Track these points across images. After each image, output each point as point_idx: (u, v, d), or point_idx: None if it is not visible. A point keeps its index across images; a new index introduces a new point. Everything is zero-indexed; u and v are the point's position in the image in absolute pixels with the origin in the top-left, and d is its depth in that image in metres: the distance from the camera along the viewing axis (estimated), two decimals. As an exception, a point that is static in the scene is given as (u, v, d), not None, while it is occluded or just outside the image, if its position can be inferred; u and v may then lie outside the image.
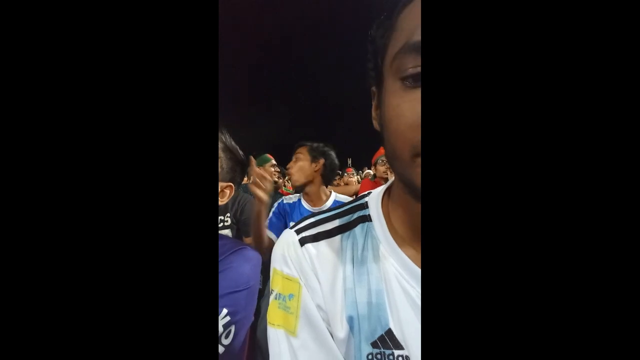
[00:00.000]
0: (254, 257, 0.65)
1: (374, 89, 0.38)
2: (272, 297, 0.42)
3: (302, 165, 1.41)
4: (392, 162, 0.35)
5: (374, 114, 0.39)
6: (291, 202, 1.48)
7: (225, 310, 0.56)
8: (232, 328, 0.56)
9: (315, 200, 1.43)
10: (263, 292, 1.14)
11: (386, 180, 2.33)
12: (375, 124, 0.39)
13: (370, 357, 0.36)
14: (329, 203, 1.42)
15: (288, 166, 1.43)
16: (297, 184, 1.41)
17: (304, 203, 1.44)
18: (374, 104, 0.38)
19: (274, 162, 2.25)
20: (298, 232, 0.43)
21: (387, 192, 0.43)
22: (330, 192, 1.48)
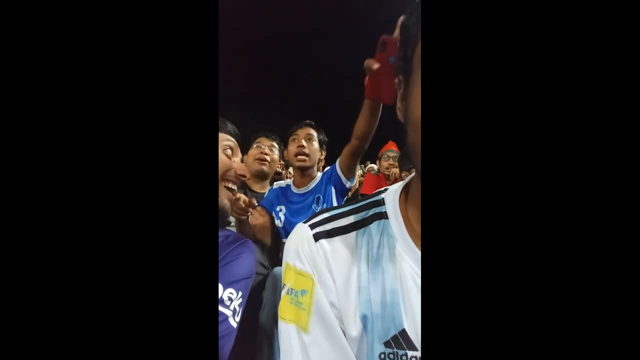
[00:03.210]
0: (254, 248, 0.75)
1: (400, 77, 0.37)
2: (283, 292, 0.41)
3: (316, 149, 1.38)
4: (413, 157, 0.33)
5: (398, 104, 0.37)
6: (283, 186, 1.45)
7: (240, 293, 0.65)
8: (241, 309, 0.65)
9: (307, 182, 1.40)
10: (264, 283, 1.15)
11: (388, 176, 2.32)
12: (399, 114, 0.37)
13: (382, 356, 0.35)
14: (315, 181, 1.39)
15: (302, 143, 1.36)
16: (308, 164, 1.36)
17: (293, 187, 1.41)
18: (399, 93, 0.37)
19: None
20: (312, 227, 0.42)
21: (405, 189, 0.42)
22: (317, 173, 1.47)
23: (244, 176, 0.74)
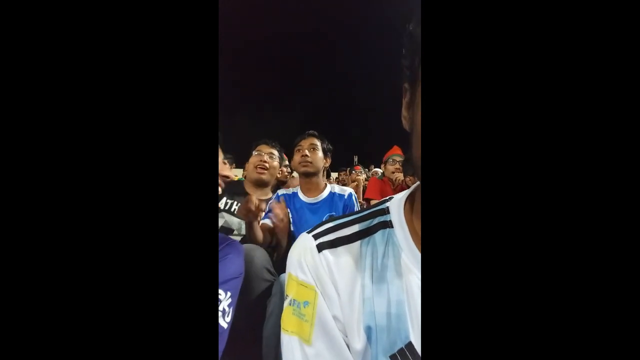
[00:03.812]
0: (242, 249, 0.78)
1: (406, 85, 0.36)
2: (286, 303, 0.40)
3: (320, 157, 1.45)
4: (417, 169, 0.32)
5: (404, 112, 0.36)
6: (289, 193, 1.50)
7: (229, 293, 0.66)
8: (231, 309, 0.66)
9: (313, 190, 1.46)
10: (270, 291, 1.14)
11: (392, 181, 2.31)
12: (404, 123, 0.36)
13: None
14: (324, 194, 1.46)
15: (305, 153, 1.43)
16: (311, 170, 1.43)
17: (301, 195, 1.46)
18: (405, 101, 0.36)
19: (286, 162, 2.28)
20: (316, 237, 0.41)
21: (410, 198, 0.41)
22: (326, 184, 1.53)
23: (227, 177, 0.75)
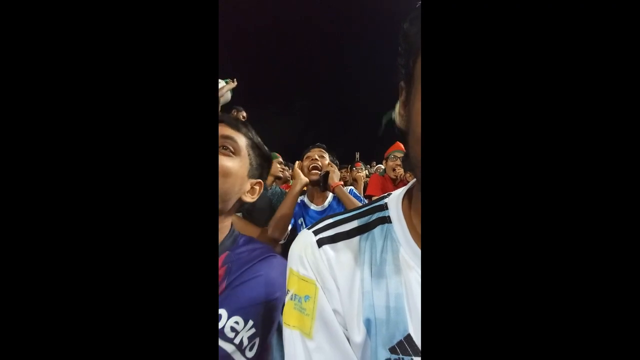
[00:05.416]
0: (281, 265, 0.60)
1: (402, 84, 0.36)
2: (287, 298, 0.41)
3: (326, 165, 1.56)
4: (414, 168, 0.33)
5: (400, 110, 0.37)
6: (298, 201, 1.57)
7: (251, 322, 0.51)
8: (257, 340, 0.52)
9: (322, 198, 1.56)
10: None
11: (394, 180, 2.30)
12: (399, 120, 0.37)
13: None
14: (329, 199, 1.58)
15: (315, 158, 1.52)
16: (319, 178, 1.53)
17: (308, 202, 1.56)
18: (401, 99, 0.37)
19: (280, 159, 2.39)
20: (316, 232, 0.42)
21: (408, 194, 0.42)
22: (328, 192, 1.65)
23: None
